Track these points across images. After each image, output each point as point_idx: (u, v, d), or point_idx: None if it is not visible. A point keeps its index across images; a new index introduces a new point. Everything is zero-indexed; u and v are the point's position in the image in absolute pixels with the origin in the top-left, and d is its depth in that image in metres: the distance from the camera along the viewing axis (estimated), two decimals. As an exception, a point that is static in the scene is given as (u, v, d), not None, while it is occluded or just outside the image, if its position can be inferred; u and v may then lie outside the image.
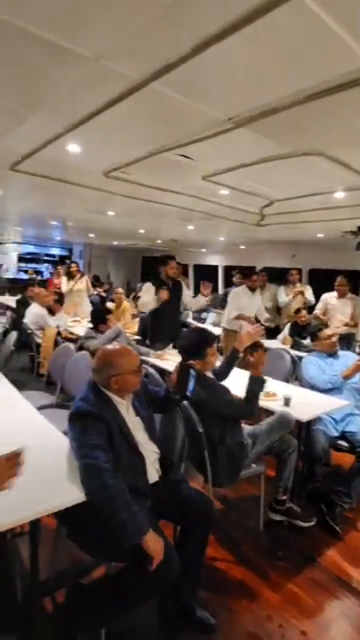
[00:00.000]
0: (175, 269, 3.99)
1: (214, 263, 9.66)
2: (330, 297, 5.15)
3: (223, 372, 2.60)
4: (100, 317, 3.91)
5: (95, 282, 10.21)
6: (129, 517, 1.45)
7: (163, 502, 1.77)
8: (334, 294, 5.10)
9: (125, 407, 1.77)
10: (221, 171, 2.83)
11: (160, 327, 4.03)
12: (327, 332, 3.16)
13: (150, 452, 1.81)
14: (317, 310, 5.25)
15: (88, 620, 1.58)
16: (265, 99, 1.70)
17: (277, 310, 5.82)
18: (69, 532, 1.72)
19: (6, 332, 4.20)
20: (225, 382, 2.43)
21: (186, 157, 2.57)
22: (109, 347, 1.83)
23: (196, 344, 2.28)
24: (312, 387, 3.01)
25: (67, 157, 2.78)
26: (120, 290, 6.29)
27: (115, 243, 11.24)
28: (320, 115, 1.81)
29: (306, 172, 2.72)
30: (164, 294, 3.91)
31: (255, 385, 2.26)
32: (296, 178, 2.95)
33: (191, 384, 1.84)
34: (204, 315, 6.73)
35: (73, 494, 1.47)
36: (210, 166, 2.80)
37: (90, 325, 4.04)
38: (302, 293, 5.48)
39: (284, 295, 5.57)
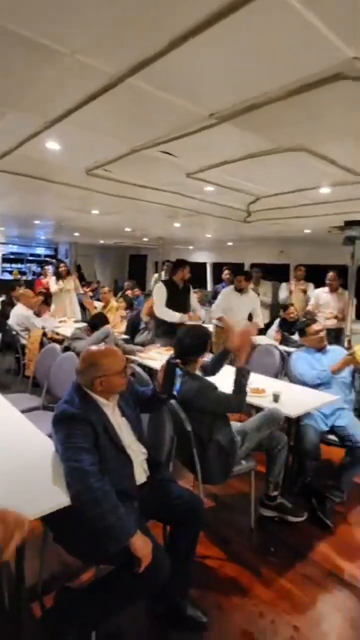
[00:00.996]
0: (188, 273, 4.24)
1: (201, 260, 9.64)
2: (322, 292, 5.24)
3: (211, 369, 2.58)
4: (98, 324, 3.87)
5: (80, 274, 10.08)
6: (115, 520, 1.43)
7: (152, 502, 1.75)
8: (326, 289, 5.18)
9: (110, 408, 1.75)
10: (205, 168, 2.80)
11: (167, 325, 4.06)
12: (314, 327, 3.13)
13: (137, 452, 1.79)
14: (310, 306, 5.29)
15: (77, 623, 1.56)
16: (246, 94, 1.67)
17: (271, 307, 5.81)
18: (56, 536, 1.70)
19: (-9, 335, 4.13)
20: (213, 379, 2.42)
21: (169, 154, 2.54)
22: (94, 348, 1.79)
23: (201, 343, 2.28)
24: (302, 383, 3.02)
25: (46, 155, 2.72)
26: (106, 289, 6.23)
27: (101, 242, 11.12)
28: (302, 110, 1.78)
29: (291, 167, 2.71)
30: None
31: (242, 377, 2.25)
32: (281, 174, 2.93)
33: (178, 383, 1.82)
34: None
35: (58, 498, 1.45)
36: (194, 163, 2.76)
37: (77, 325, 3.98)
38: (304, 291, 5.47)
39: (284, 292, 5.54)
